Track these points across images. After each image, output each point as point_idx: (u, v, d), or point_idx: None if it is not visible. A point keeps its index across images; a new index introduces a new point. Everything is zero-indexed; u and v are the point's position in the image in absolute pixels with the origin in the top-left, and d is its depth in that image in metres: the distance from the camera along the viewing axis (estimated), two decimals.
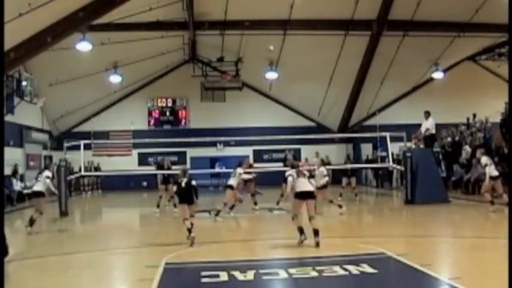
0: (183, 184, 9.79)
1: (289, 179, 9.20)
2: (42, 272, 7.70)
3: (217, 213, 13.43)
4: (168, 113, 29.51)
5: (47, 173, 12.12)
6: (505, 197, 13.28)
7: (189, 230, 9.40)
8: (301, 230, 8.97)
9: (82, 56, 21.27)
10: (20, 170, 21.96)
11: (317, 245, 8.62)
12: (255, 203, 15.23)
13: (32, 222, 11.53)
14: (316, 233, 8.72)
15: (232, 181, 13.90)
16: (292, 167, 9.58)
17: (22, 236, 11.27)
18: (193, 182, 9.91)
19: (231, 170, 14.72)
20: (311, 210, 9.04)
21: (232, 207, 14.06)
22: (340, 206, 14.00)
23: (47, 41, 18.12)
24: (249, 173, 15.15)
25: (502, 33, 22.17)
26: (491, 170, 13.53)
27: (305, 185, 9.09)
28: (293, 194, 9.17)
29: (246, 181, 14.93)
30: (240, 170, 14.12)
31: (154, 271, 6.92)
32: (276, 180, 15.38)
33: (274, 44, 23.96)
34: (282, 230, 11.18)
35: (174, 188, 10.14)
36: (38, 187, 11.80)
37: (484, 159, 13.85)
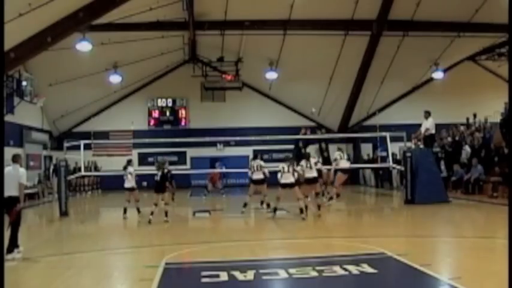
0: (158, 178, 12.78)
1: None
2: (42, 271, 7.70)
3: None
4: (168, 113, 29.50)
5: (130, 169, 14.11)
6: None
7: (152, 213, 12.47)
8: (306, 208, 12.61)
9: (82, 56, 21.29)
10: None
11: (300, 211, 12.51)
12: (262, 203, 15.05)
13: (139, 211, 13.87)
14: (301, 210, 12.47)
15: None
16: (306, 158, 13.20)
17: (22, 236, 11.26)
18: (168, 172, 12.96)
19: (231, 170, 14.71)
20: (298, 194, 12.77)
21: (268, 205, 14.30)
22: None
23: (47, 41, 18.15)
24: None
25: (502, 33, 22.20)
26: (343, 163, 14.75)
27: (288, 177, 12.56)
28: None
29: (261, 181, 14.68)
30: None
31: (154, 271, 6.91)
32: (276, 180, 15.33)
33: (274, 44, 23.97)
34: (282, 230, 11.18)
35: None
36: (129, 184, 13.97)
37: (336, 154, 15.19)
